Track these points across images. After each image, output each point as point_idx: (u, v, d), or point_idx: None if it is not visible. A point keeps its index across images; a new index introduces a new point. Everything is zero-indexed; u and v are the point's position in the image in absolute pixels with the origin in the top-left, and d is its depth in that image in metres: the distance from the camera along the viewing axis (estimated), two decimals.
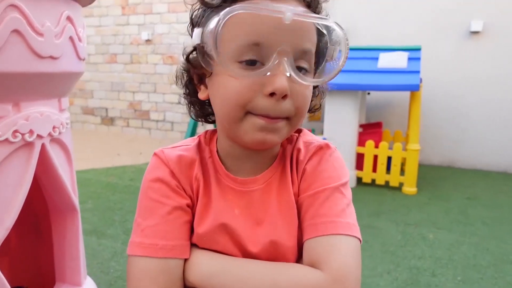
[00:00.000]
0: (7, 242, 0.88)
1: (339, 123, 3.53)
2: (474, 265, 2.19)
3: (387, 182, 3.58)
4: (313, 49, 0.61)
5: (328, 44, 0.62)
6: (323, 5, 0.64)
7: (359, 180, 3.69)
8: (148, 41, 5.73)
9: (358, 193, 3.43)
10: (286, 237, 0.64)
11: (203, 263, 0.61)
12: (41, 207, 1.03)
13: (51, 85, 0.83)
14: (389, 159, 3.54)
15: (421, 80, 3.53)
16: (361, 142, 3.67)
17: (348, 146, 3.54)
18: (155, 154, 0.70)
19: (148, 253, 0.59)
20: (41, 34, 0.74)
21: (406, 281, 2.01)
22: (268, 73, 0.55)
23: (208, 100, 0.66)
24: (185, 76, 0.71)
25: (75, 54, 0.87)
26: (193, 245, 0.65)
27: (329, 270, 0.56)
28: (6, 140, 0.73)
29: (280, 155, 0.68)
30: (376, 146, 3.54)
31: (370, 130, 3.92)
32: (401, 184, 3.53)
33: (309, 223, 0.62)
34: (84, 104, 6.47)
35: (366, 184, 3.64)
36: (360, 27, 4.65)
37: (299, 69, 0.59)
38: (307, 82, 0.59)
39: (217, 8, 0.56)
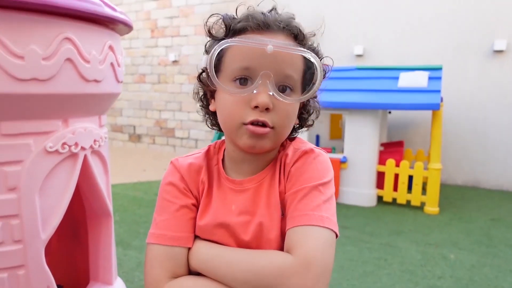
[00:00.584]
0: (49, 244, 1.00)
1: (359, 142, 3.57)
2: (496, 286, 2.16)
3: (408, 202, 3.57)
4: (296, 74, 0.73)
5: (314, 70, 0.75)
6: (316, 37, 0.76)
7: (379, 198, 3.69)
8: (175, 62, 5.99)
9: (378, 211, 3.43)
10: (270, 227, 0.76)
11: (201, 251, 0.74)
12: (79, 213, 1.15)
13: (94, 104, 0.95)
14: (411, 178, 3.53)
15: (442, 99, 3.54)
16: (382, 161, 3.68)
17: (368, 165, 3.57)
18: (171, 162, 0.85)
19: (159, 241, 0.74)
20: (88, 61, 0.87)
21: None
22: (254, 91, 0.69)
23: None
24: (200, 92, 0.84)
25: (114, 77, 1.00)
26: (197, 237, 0.78)
27: (297, 254, 0.66)
28: (56, 151, 0.85)
29: (274, 160, 0.81)
30: (397, 165, 3.55)
31: (391, 149, 3.93)
32: (423, 204, 3.51)
33: (289, 216, 0.73)
34: (113, 122, 6.77)
35: (387, 203, 3.64)
36: (382, 47, 4.72)
37: (284, 88, 0.72)
38: (286, 100, 0.71)
39: (219, 40, 0.72)
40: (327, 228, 0.70)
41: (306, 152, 0.78)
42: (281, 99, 0.70)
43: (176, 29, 5.93)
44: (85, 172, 0.96)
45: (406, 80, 3.56)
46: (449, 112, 4.47)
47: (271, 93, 0.68)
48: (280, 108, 0.71)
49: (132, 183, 4.31)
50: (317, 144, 4.34)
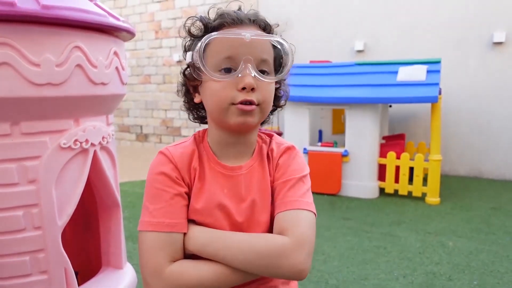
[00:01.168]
0: (63, 233, 1.11)
1: (360, 135, 3.65)
2: (492, 271, 2.23)
3: (410, 193, 3.64)
4: (270, 59, 0.84)
5: (282, 54, 0.85)
6: (278, 29, 0.89)
7: (381, 190, 3.77)
8: (179, 62, 6.11)
9: (380, 203, 3.51)
10: (261, 210, 0.86)
11: (198, 236, 0.80)
12: (90, 204, 1.26)
13: (101, 104, 1.06)
14: (412, 169, 3.60)
15: (440, 91, 3.60)
16: (383, 154, 3.75)
17: (369, 158, 3.64)
18: (161, 152, 0.88)
19: (157, 228, 0.79)
20: (95, 66, 0.97)
21: (421, 285, 2.09)
22: (239, 75, 0.78)
23: (201, 104, 0.89)
24: (183, 88, 0.93)
25: (119, 80, 1.11)
26: (190, 222, 0.84)
27: (293, 235, 0.77)
28: (69, 147, 0.96)
29: (257, 150, 0.92)
30: (398, 157, 3.62)
31: (392, 141, 4.00)
32: (424, 195, 3.58)
33: (280, 202, 0.84)
34: (121, 122, 6.92)
35: (388, 195, 3.71)
36: (383, 42, 4.78)
37: (262, 71, 0.82)
38: (266, 80, 0.82)
39: (200, 37, 0.82)
40: (311, 211, 0.83)
41: (289, 148, 0.92)
42: (263, 79, 0.80)
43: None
44: (95, 166, 1.07)
45: (404, 74, 3.62)
46: (451, 104, 4.52)
47: (253, 75, 0.78)
48: (262, 88, 0.81)
49: (140, 180, 4.44)
50: (320, 138, 4.43)
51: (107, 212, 1.22)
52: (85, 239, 1.35)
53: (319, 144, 3.92)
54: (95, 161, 1.07)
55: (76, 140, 0.98)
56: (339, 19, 4.99)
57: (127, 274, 1.25)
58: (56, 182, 0.95)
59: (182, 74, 0.90)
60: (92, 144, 1.03)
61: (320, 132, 4.50)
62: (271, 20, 0.88)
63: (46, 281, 0.96)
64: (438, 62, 3.72)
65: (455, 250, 2.52)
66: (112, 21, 0.98)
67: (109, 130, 1.13)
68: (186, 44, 0.90)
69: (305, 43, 5.19)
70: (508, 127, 4.31)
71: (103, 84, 1.01)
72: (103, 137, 1.08)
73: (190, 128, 6.20)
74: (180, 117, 6.27)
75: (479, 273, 2.21)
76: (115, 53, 1.05)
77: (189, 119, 0.97)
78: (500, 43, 4.23)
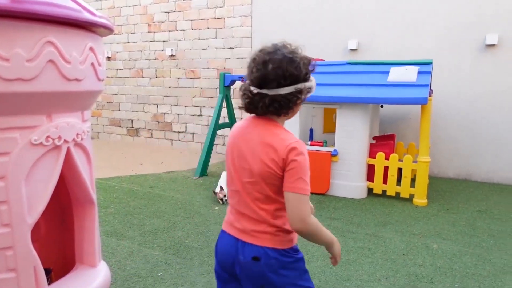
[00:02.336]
0: (38, 230, 1.09)
1: (350, 135, 3.64)
2: (474, 274, 2.25)
3: (398, 194, 3.65)
4: None
5: None
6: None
7: (370, 190, 3.78)
8: (172, 56, 6.06)
9: (367, 203, 3.52)
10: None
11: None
12: (66, 201, 1.24)
13: (76, 101, 1.04)
14: (401, 170, 3.61)
15: (431, 93, 3.61)
16: (372, 154, 3.75)
17: (359, 158, 3.64)
18: (301, 142, 1.17)
19: (308, 193, 1.10)
20: (69, 62, 0.95)
21: (403, 287, 2.10)
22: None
23: (285, 107, 1.16)
24: (294, 99, 1.16)
25: (95, 76, 1.08)
26: None
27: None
28: (41, 143, 0.94)
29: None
30: (387, 158, 3.63)
31: (382, 142, 4.01)
32: (412, 196, 3.59)
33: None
34: (111, 116, 6.86)
35: (376, 195, 3.72)
36: (378, 43, 4.77)
37: None
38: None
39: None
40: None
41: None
42: None
43: (172, 24, 5.99)
44: (69, 163, 1.05)
45: (395, 74, 3.62)
46: (442, 106, 4.54)
47: None
48: None
49: (128, 176, 4.40)
50: (311, 137, 4.43)
51: (81, 209, 1.20)
52: (61, 235, 1.33)
53: (309, 143, 3.92)
54: (69, 158, 1.05)
55: (48, 137, 0.96)
56: (333, 18, 4.97)
57: (101, 272, 1.24)
58: (26, 179, 0.93)
59: (300, 92, 1.15)
60: (65, 141, 1.01)
61: (311, 130, 4.49)
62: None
63: (14, 279, 0.94)
64: (429, 63, 3.73)
65: (439, 252, 2.53)
66: (87, 16, 0.95)
67: (84, 126, 1.11)
68: (307, 75, 1.16)
69: (297, 40, 5.15)
70: (497, 131, 4.34)
71: (77, 80, 0.99)
72: (77, 134, 1.05)
73: (182, 123, 6.17)
74: (172, 112, 6.23)
75: (461, 276, 2.23)
76: (91, 49, 1.03)
77: (282, 114, 1.19)
78: (492, 45, 4.24)
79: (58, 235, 1.32)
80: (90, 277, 1.19)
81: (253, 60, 1.18)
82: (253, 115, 1.23)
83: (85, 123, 1.13)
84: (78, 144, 1.09)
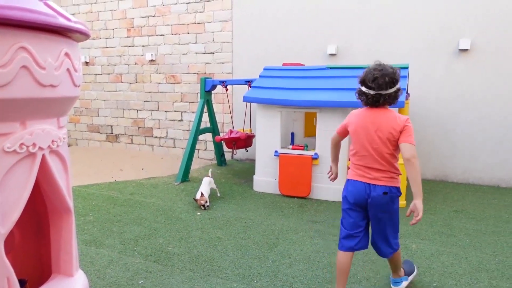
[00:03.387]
0: (12, 239, 1.06)
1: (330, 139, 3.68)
2: (451, 273, 2.31)
3: None
4: None
5: None
6: None
7: None
8: (152, 61, 6.01)
9: None
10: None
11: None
12: (42, 209, 1.21)
13: (51, 107, 1.02)
14: None
15: (408, 96, 3.70)
16: None
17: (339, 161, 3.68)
18: (407, 116, 1.88)
19: (415, 144, 1.84)
20: (43, 68, 0.93)
21: (383, 287, 2.14)
22: None
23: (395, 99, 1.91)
24: (396, 94, 1.90)
25: (71, 82, 1.07)
26: None
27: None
28: (14, 151, 0.92)
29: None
30: None
31: None
32: None
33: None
34: (90, 122, 6.73)
35: None
36: (355, 47, 4.86)
37: None
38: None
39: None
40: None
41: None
42: None
43: (152, 28, 5.95)
44: (44, 171, 1.03)
45: None
46: (418, 109, 4.66)
47: None
48: None
49: (108, 182, 4.33)
50: (292, 141, 4.46)
51: (58, 217, 1.18)
52: (37, 245, 1.29)
53: (290, 147, 3.95)
54: (44, 166, 1.03)
55: (22, 144, 0.93)
56: (313, 23, 5.04)
57: (78, 281, 1.21)
58: None
59: (398, 90, 1.89)
60: (40, 148, 0.99)
61: (293, 134, 4.53)
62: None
63: None
64: (406, 67, 3.82)
65: (418, 252, 2.59)
66: (62, 21, 0.94)
67: (60, 133, 1.09)
68: (395, 79, 1.86)
69: (278, 45, 5.22)
70: (472, 132, 4.48)
71: (52, 86, 0.97)
72: (53, 141, 1.03)
73: (162, 129, 6.11)
74: (152, 117, 6.17)
75: (438, 275, 2.28)
76: (66, 54, 1.02)
77: (389, 104, 1.91)
78: (465, 50, 4.39)
79: (33, 245, 1.28)
80: (67, 287, 1.16)
81: (371, 73, 1.85)
82: (366, 107, 1.94)
83: (61, 129, 1.11)
84: (53, 151, 1.06)
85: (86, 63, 6.56)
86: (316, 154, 3.72)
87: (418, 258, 2.50)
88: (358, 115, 1.94)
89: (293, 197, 3.82)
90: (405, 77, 3.70)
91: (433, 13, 4.48)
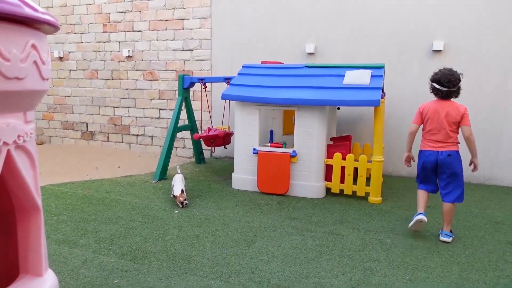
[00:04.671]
0: None
1: (308, 137, 3.72)
2: (424, 266, 2.37)
3: (354, 192, 3.78)
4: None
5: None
6: None
7: (328, 190, 3.88)
8: (129, 57, 5.90)
9: (326, 202, 3.61)
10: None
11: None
12: (8, 208, 1.16)
13: (16, 101, 0.98)
14: (357, 170, 3.74)
15: (384, 96, 3.77)
16: (330, 154, 3.86)
17: (317, 158, 3.73)
18: (465, 106, 2.82)
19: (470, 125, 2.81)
20: (8, 60, 0.90)
21: (359, 281, 2.17)
22: None
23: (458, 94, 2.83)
24: (459, 90, 2.80)
25: (38, 75, 1.03)
26: None
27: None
28: None
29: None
30: (344, 158, 3.74)
31: (339, 142, 4.13)
32: (367, 194, 3.72)
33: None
34: (64, 119, 6.55)
35: (335, 194, 3.83)
36: (333, 46, 4.92)
37: None
38: None
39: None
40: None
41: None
42: None
43: (129, 24, 5.83)
44: (9, 167, 0.99)
45: (350, 77, 3.75)
46: (394, 108, 4.75)
47: None
48: None
49: (82, 181, 4.22)
50: (271, 139, 4.47)
51: (26, 215, 1.13)
52: (3, 244, 1.24)
53: (269, 144, 3.96)
54: (9, 161, 0.99)
55: None
56: (291, 22, 5.07)
57: (47, 281, 1.17)
58: None
59: (460, 87, 2.77)
60: (5, 143, 0.95)
61: (271, 132, 4.54)
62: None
63: None
64: (381, 67, 3.90)
65: (392, 247, 2.65)
66: (27, 11, 0.90)
67: (27, 128, 1.05)
68: (459, 80, 2.74)
69: (257, 43, 5.22)
70: None
71: (17, 78, 0.93)
72: (19, 136, 0.99)
73: (140, 126, 6.01)
74: (130, 114, 6.06)
75: (412, 268, 2.34)
76: (33, 46, 0.98)
77: (455, 97, 2.78)
78: (439, 51, 4.51)
79: (1, 243, 1.23)
80: (35, 287, 1.12)
81: (446, 76, 2.73)
82: (435, 99, 2.84)
83: (28, 124, 1.07)
84: (20, 147, 1.02)
85: (60, 58, 6.37)
86: (294, 151, 3.75)
87: (392, 253, 2.55)
88: (431, 106, 2.81)
89: (272, 194, 3.84)
90: (381, 76, 3.77)
91: (407, 15, 4.58)
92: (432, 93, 2.85)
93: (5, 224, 1.21)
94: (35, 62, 0.99)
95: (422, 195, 2.91)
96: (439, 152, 2.76)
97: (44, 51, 1.05)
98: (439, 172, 2.80)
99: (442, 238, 2.77)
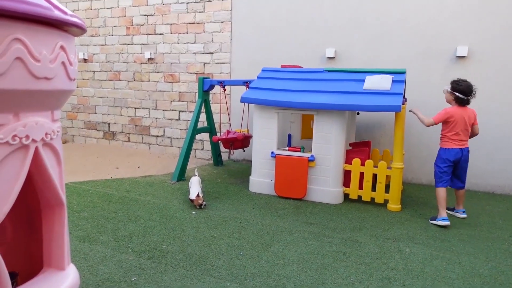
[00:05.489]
0: (4, 233, 1.05)
1: (327, 141, 3.69)
2: (444, 277, 2.31)
3: (373, 199, 3.72)
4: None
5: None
6: None
7: (346, 196, 3.83)
8: (150, 59, 6.01)
9: (343, 208, 3.57)
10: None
11: None
12: (34, 203, 1.20)
13: (45, 99, 1.02)
14: (376, 176, 3.68)
15: (404, 101, 3.71)
16: (348, 160, 3.82)
17: (335, 163, 3.70)
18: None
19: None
20: (38, 60, 0.93)
21: None
22: None
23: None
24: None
25: (66, 75, 1.06)
26: None
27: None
28: (7, 142, 0.92)
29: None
30: (363, 164, 3.69)
31: (358, 148, 4.08)
32: (386, 201, 3.66)
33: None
34: (87, 119, 6.72)
35: (352, 200, 3.78)
36: (353, 50, 4.88)
37: None
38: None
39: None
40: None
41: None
42: None
43: (152, 27, 5.95)
44: (37, 163, 1.02)
45: (370, 82, 3.70)
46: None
47: None
48: None
49: (103, 180, 4.31)
50: (289, 143, 4.46)
51: (50, 211, 1.17)
52: (28, 239, 1.29)
53: (287, 148, 3.95)
54: (37, 158, 1.02)
55: (14, 136, 0.93)
56: (312, 26, 5.06)
57: (69, 275, 1.20)
58: None
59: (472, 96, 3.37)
60: (34, 140, 0.98)
61: (290, 136, 4.53)
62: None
63: None
64: (403, 72, 3.84)
65: (411, 256, 2.59)
66: (57, 14, 0.94)
67: (54, 126, 1.08)
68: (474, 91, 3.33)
69: (276, 47, 5.23)
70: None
71: (46, 78, 0.97)
72: (46, 134, 1.03)
73: (160, 127, 6.10)
74: (150, 116, 6.16)
75: (431, 279, 2.28)
76: (62, 48, 1.01)
77: (469, 104, 3.35)
78: (462, 57, 4.41)
79: (25, 238, 1.28)
80: (58, 280, 1.15)
81: (469, 88, 3.24)
82: (456, 105, 3.31)
83: (55, 123, 1.11)
84: (47, 144, 1.06)
85: (85, 60, 6.55)
86: (312, 156, 3.73)
87: (411, 262, 2.50)
88: (457, 111, 3.28)
89: (289, 198, 3.82)
90: (402, 81, 3.71)
91: (430, 20, 4.50)
92: (451, 100, 3.36)
93: (30, 220, 1.26)
94: (63, 63, 1.03)
95: (444, 193, 3.34)
96: (463, 149, 3.33)
97: (72, 53, 1.09)
98: (461, 166, 3.38)
99: (463, 215, 3.44)
